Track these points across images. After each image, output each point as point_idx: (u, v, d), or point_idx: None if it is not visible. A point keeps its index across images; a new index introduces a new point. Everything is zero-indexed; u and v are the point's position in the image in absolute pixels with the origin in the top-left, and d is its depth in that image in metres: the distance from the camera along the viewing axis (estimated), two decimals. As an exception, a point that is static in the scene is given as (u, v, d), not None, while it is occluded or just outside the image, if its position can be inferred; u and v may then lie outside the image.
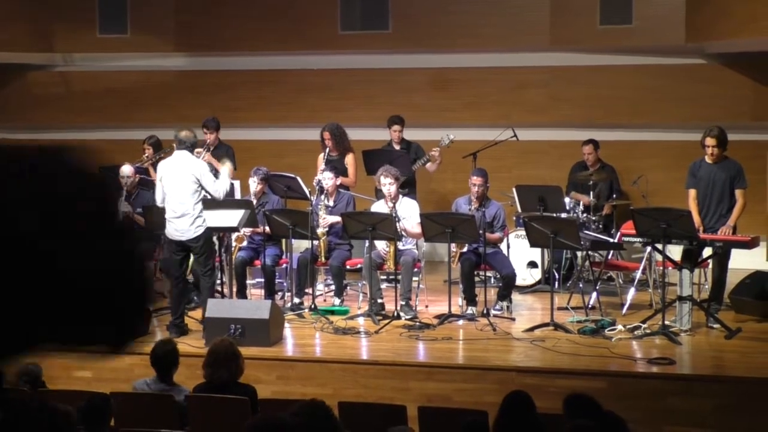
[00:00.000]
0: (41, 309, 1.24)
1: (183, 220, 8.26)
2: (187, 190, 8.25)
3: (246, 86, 12.49)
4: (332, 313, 8.94)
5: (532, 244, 8.83)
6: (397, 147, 10.47)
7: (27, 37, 12.68)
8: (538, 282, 10.11)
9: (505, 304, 8.98)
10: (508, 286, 8.95)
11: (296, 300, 9.14)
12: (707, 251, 8.46)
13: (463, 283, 8.88)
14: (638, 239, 8.51)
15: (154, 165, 10.77)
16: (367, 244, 8.88)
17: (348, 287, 9.62)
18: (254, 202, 9.30)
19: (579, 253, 9.63)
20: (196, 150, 8.74)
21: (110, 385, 6.82)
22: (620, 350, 7.67)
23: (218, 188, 8.33)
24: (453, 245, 8.82)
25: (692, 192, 8.70)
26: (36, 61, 12.94)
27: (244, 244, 9.51)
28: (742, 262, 9.10)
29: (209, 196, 8.33)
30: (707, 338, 8.17)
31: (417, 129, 10.83)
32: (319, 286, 9.83)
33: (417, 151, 10.48)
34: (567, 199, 10.05)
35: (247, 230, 9.29)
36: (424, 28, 11.93)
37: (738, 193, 8.55)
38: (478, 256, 8.83)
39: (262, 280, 9.42)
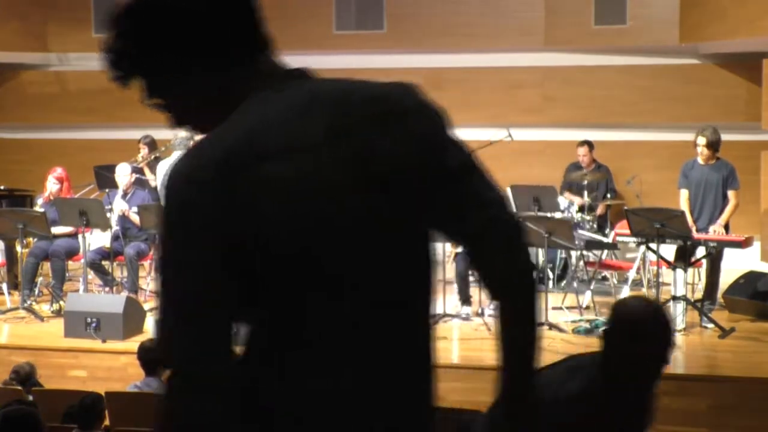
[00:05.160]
0: None
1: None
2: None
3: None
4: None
5: (527, 244, 8.81)
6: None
7: (21, 37, 12.66)
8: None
9: (499, 303, 8.96)
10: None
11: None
12: (701, 251, 8.48)
13: (458, 283, 8.89)
14: (632, 239, 8.53)
15: (150, 164, 10.77)
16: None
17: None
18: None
19: (573, 253, 9.65)
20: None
21: (105, 384, 6.82)
22: (614, 350, 7.67)
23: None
24: (448, 245, 8.83)
25: (684, 192, 8.71)
26: (30, 60, 12.93)
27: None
28: (736, 261, 9.13)
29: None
30: (701, 338, 8.19)
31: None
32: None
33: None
34: (561, 199, 10.07)
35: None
36: (419, 28, 11.94)
37: (731, 194, 8.57)
38: (473, 255, 8.82)
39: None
